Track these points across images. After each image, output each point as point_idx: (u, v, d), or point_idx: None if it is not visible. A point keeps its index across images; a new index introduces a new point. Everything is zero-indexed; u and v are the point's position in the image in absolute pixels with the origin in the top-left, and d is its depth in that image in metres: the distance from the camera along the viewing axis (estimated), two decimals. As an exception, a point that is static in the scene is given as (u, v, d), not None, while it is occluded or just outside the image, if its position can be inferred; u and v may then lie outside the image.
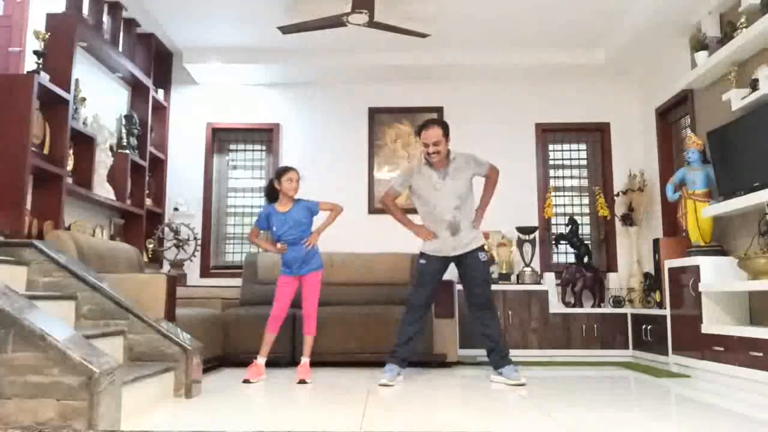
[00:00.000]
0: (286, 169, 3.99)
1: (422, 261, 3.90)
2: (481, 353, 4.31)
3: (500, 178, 4.00)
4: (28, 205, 3.81)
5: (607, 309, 5.20)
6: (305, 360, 3.91)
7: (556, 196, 5.89)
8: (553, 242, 5.65)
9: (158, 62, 5.68)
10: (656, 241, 4.99)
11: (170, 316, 3.46)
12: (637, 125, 5.86)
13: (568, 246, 5.64)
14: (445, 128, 3.82)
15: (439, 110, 5.88)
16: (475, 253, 3.84)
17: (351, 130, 5.98)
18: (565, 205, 5.97)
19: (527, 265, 5.41)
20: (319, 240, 4.02)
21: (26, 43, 4.15)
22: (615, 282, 5.51)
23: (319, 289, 4.01)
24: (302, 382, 3.74)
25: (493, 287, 5.13)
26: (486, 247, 5.42)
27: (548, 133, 6.00)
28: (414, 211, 4.06)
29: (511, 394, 3.37)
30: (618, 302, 5.25)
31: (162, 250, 5.61)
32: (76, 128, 4.24)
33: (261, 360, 3.90)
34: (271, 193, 4.03)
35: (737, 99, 3.98)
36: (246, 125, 6.03)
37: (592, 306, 5.30)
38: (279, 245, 4.02)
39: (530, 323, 5.15)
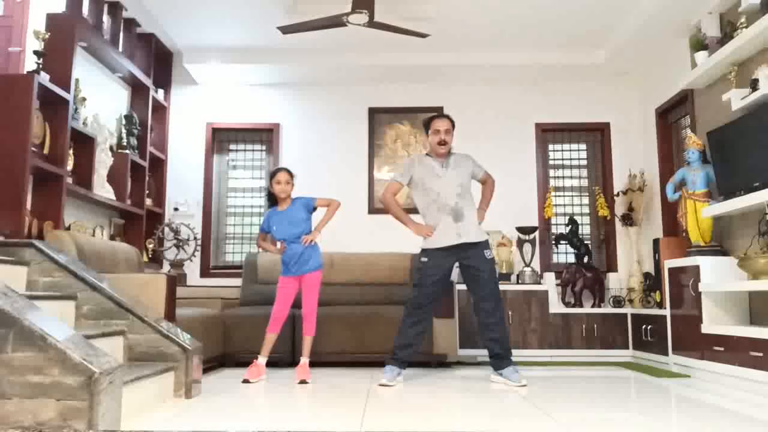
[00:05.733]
0: (274, 173, 4.04)
1: (424, 259, 3.82)
2: (481, 353, 4.31)
3: (500, 177, 4.03)
4: (28, 205, 3.81)
5: (607, 309, 5.20)
6: (305, 360, 3.91)
7: (556, 196, 5.89)
8: (553, 242, 5.65)
9: (158, 62, 5.68)
10: (656, 241, 4.99)
11: (170, 316, 3.46)
12: (637, 125, 5.86)
13: (568, 246, 5.64)
14: (453, 123, 3.93)
15: (439, 110, 5.87)
16: (480, 249, 3.77)
17: (351, 130, 5.98)
18: (565, 205, 5.97)
19: (527, 265, 5.40)
20: (319, 238, 4.00)
21: (26, 43, 4.15)
22: (615, 282, 5.51)
23: (318, 290, 3.98)
24: (303, 382, 3.74)
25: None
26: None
27: (548, 133, 6.01)
28: (413, 211, 4.07)
29: (511, 394, 3.37)
30: (618, 302, 5.25)
31: (162, 250, 5.62)
32: (76, 128, 4.24)
33: (262, 360, 3.91)
34: (271, 197, 4.06)
35: (737, 99, 3.98)
36: (246, 125, 6.03)
37: (592, 306, 5.30)
38: (279, 245, 4.02)
39: (530, 323, 5.15)
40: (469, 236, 3.76)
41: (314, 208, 4.04)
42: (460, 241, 3.75)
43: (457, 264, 3.84)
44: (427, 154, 3.96)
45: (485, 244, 3.82)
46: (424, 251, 3.85)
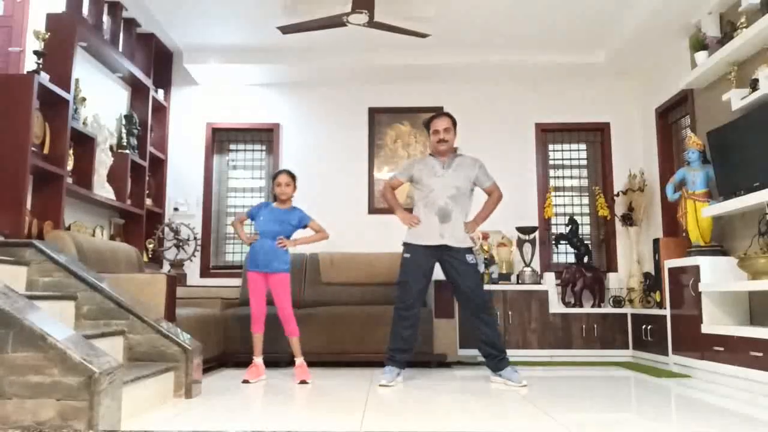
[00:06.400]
0: (275, 175, 4.09)
1: (406, 255, 3.83)
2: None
3: (500, 177, 4.02)
4: (28, 205, 3.82)
5: (607, 309, 5.20)
6: (300, 361, 3.90)
7: (556, 196, 5.89)
8: (553, 242, 5.65)
9: (158, 62, 5.68)
10: (656, 241, 4.99)
11: (170, 316, 3.46)
12: (637, 125, 5.86)
13: (568, 246, 5.64)
14: (454, 121, 3.94)
15: (439, 110, 5.85)
16: (461, 254, 3.76)
17: (351, 130, 5.98)
18: (565, 205, 5.97)
19: (527, 265, 5.40)
20: (292, 249, 4.02)
21: (26, 43, 4.16)
22: (615, 282, 5.51)
23: (289, 291, 3.97)
24: (303, 382, 3.74)
25: (493, 287, 5.17)
26: (486, 248, 5.49)
27: (548, 133, 6.01)
28: (411, 212, 4.07)
29: (511, 394, 3.37)
30: (618, 302, 5.25)
31: (162, 250, 5.61)
32: (76, 128, 4.24)
33: (258, 360, 3.91)
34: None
35: (737, 99, 3.98)
36: (246, 125, 6.03)
37: (592, 306, 5.30)
38: (250, 235, 4.05)
39: (530, 323, 5.15)
40: (451, 240, 3.76)
41: (305, 226, 4.07)
42: (441, 243, 3.76)
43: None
44: (431, 155, 3.97)
45: (467, 250, 3.80)
46: (407, 245, 3.86)
